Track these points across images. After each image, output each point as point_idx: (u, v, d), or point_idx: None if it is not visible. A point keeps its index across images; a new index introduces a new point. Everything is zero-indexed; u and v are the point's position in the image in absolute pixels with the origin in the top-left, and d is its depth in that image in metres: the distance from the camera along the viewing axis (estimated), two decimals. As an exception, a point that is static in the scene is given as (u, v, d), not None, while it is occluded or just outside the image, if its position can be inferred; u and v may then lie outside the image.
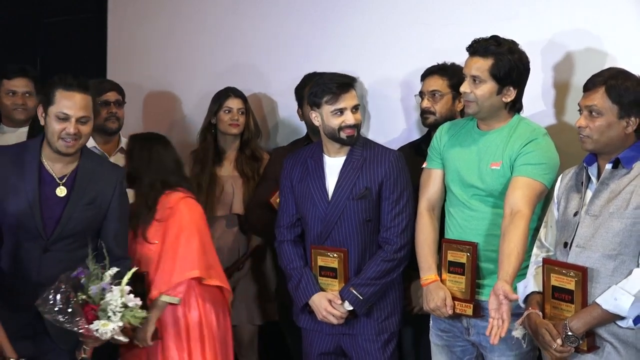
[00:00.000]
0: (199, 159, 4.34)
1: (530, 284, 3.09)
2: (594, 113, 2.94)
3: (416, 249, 3.46)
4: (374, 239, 3.57)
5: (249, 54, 4.70)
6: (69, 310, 3.01)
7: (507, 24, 3.62)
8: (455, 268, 3.33)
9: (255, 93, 4.62)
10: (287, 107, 4.37)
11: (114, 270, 3.14)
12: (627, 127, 2.93)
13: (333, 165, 3.59)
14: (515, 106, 3.35)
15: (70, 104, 3.22)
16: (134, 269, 3.21)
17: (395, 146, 3.97)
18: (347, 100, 3.50)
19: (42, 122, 3.30)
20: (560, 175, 3.19)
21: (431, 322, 3.52)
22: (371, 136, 4.16)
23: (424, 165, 3.56)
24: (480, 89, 3.26)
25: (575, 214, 3.01)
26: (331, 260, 3.54)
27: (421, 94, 3.83)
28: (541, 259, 3.06)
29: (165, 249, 3.66)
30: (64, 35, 5.09)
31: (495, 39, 3.28)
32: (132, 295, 3.15)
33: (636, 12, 3.52)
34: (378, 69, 4.26)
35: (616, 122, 2.92)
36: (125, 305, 3.10)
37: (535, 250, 3.18)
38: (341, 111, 3.49)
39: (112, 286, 3.11)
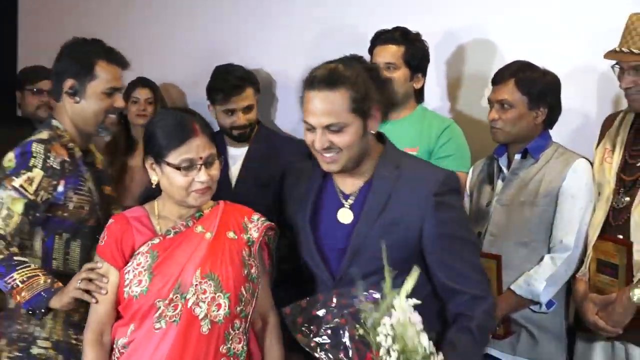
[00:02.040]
0: (109, 149, 4.26)
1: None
2: (505, 105, 3.01)
3: None
4: None
5: (159, 42, 4.59)
6: (342, 350, 2.04)
7: (402, 18, 3.62)
8: None
9: (165, 83, 4.53)
10: (197, 97, 4.30)
11: (413, 302, 2.04)
12: (537, 118, 3.02)
13: (236, 155, 3.58)
14: (421, 95, 3.45)
15: (311, 108, 2.34)
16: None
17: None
18: (238, 102, 3.53)
19: None
20: (472, 168, 3.26)
21: None
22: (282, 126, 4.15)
23: None
24: (395, 75, 3.32)
25: (488, 204, 3.08)
26: None
27: None
28: (456, 249, 3.13)
29: None
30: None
31: (401, 29, 3.38)
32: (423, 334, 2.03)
33: (520, 5, 3.60)
34: (286, 59, 4.21)
35: (527, 113, 3.00)
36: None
37: None
38: (232, 112, 3.52)
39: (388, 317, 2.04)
